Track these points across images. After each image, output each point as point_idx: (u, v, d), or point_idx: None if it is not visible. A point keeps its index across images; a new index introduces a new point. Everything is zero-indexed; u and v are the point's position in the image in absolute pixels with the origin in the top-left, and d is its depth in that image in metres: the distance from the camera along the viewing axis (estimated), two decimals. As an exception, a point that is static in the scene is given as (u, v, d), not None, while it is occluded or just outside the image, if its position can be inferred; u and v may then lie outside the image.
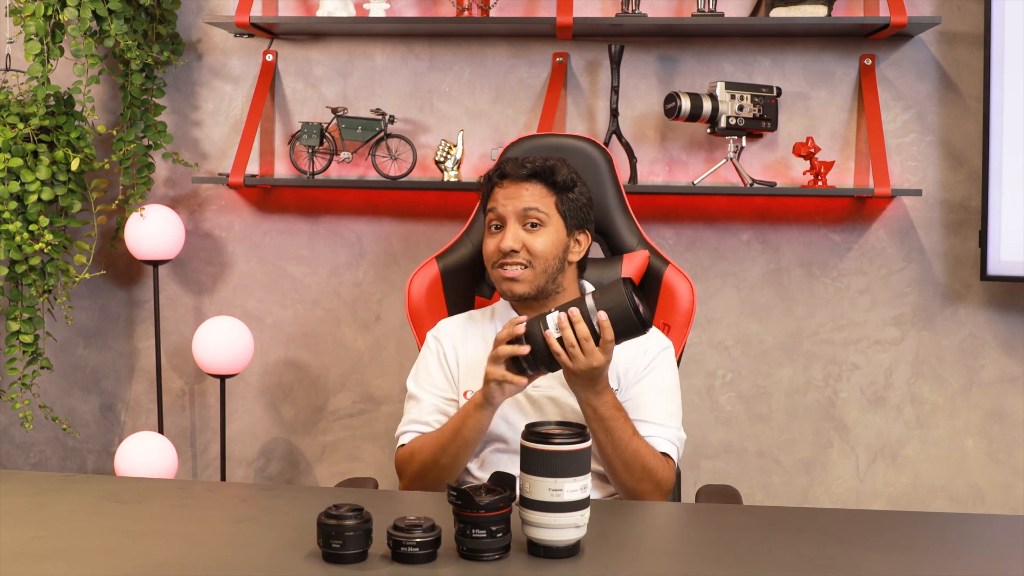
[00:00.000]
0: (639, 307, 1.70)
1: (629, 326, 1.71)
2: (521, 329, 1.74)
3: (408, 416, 2.03)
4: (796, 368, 2.95)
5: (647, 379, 1.98)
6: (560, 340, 1.73)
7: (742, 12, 2.86)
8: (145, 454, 2.85)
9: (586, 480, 1.45)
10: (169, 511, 1.67)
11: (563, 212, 2.00)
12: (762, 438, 2.98)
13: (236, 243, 3.07)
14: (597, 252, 2.24)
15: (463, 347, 2.03)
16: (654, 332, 2.05)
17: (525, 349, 1.73)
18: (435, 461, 1.90)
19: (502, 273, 1.98)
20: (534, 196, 1.98)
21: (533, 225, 1.97)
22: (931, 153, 2.87)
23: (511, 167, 2.01)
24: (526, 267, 1.96)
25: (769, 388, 2.96)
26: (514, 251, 1.96)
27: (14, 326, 2.79)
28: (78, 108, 2.83)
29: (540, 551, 1.44)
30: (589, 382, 1.78)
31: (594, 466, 1.80)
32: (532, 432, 1.45)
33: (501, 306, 2.06)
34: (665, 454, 1.93)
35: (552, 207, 1.99)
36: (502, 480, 1.47)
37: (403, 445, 2.01)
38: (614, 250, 2.25)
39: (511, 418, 1.92)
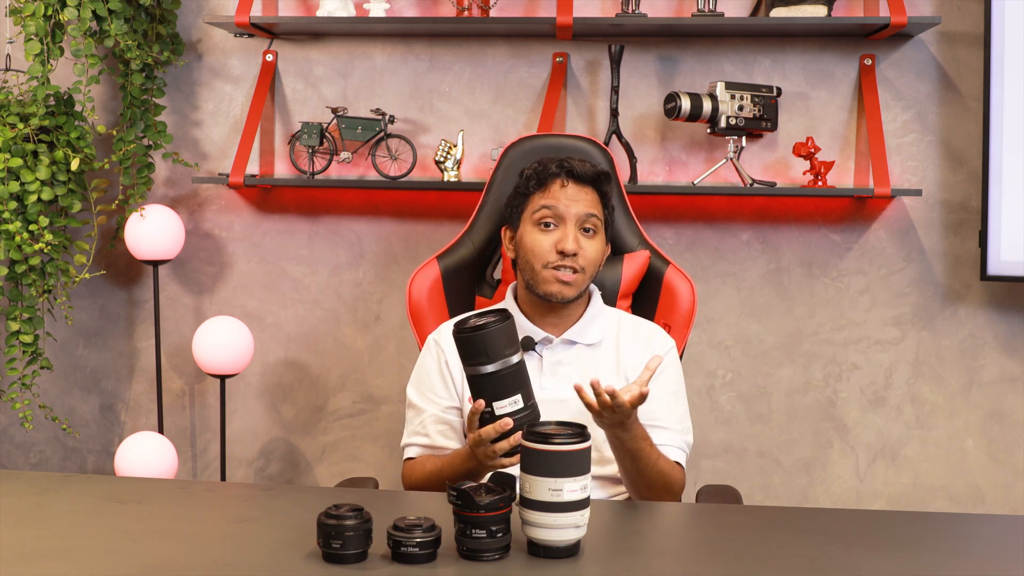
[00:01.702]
0: (480, 323, 1.64)
1: (503, 333, 1.64)
2: (514, 434, 1.68)
3: (410, 427, 2.02)
4: (796, 368, 2.95)
5: (656, 382, 1.97)
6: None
7: (742, 12, 2.86)
8: (145, 454, 2.85)
9: (586, 480, 1.45)
10: (169, 511, 1.67)
11: (607, 222, 2.01)
12: (762, 438, 2.98)
13: (236, 243, 3.07)
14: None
15: None
16: (658, 331, 2.06)
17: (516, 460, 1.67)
18: (433, 490, 1.91)
19: (557, 275, 1.94)
20: (592, 202, 1.98)
21: (587, 231, 1.97)
22: (931, 153, 2.87)
23: (579, 166, 1.98)
24: (578, 272, 1.95)
25: (769, 388, 2.96)
26: (574, 254, 1.94)
27: (14, 326, 2.79)
28: (78, 108, 2.83)
29: (540, 551, 1.44)
30: (618, 425, 1.77)
31: (595, 469, 1.80)
32: (532, 432, 1.45)
33: (506, 306, 2.04)
34: (677, 462, 1.95)
35: (602, 215, 2.00)
36: (502, 480, 1.47)
37: (409, 459, 2.01)
38: (614, 250, 2.25)
39: None
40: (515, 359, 1.65)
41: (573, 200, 1.96)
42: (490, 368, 1.64)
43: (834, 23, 2.72)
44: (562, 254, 1.94)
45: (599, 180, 1.99)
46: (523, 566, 1.42)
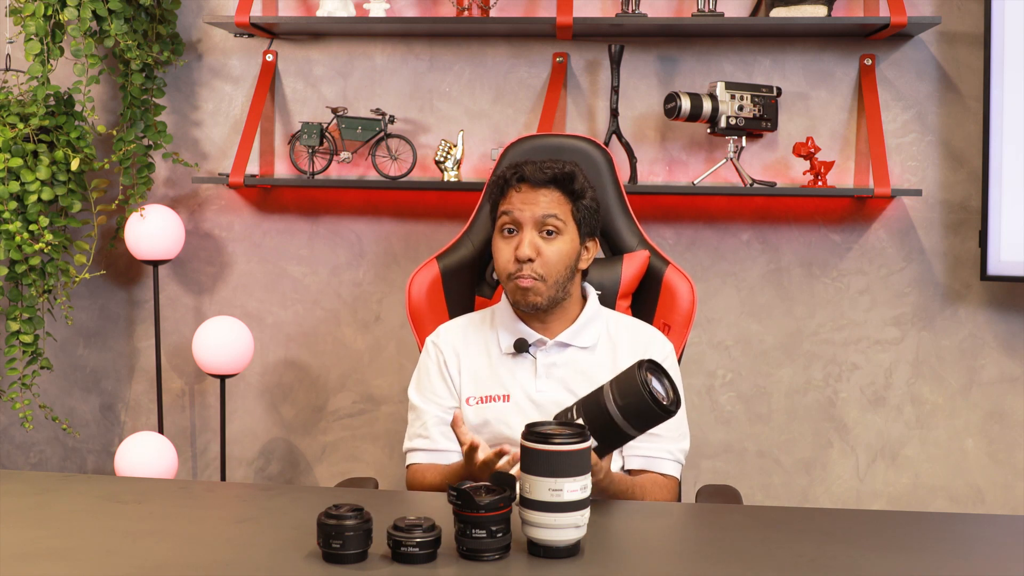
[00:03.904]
0: (655, 395, 1.61)
1: (651, 417, 1.62)
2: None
3: (412, 429, 2.02)
4: (796, 368, 2.95)
5: None
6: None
7: (742, 12, 2.86)
8: (145, 454, 2.85)
9: (586, 480, 1.45)
10: (169, 511, 1.67)
11: (578, 220, 1.97)
12: (762, 438, 2.98)
13: (236, 243, 3.07)
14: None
15: (465, 353, 2.01)
16: (657, 335, 2.05)
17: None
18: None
19: (518, 284, 1.93)
20: (552, 203, 1.94)
21: (549, 233, 1.94)
22: (931, 153, 2.87)
23: (530, 170, 1.95)
24: (538, 280, 1.92)
25: (769, 388, 2.96)
26: (530, 259, 1.92)
27: (14, 326, 2.79)
28: (78, 108, 2.83)
29: (540, 551, 1.44)
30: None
31: None
32: (532, 432, 1.45)
33: (502, 308, 2.04)
34: (668, 474, 1.95)
35: (568, 214, 1.95)
36: (502, 480, 1.47)
37: (412, 465, 2.00)
38: (614, 250, 2.25)
39: (516, 424, 1.90)
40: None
41: (529, 203, 1.94)
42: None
43: (834, 23, 2.72)
44: (519, 261, 1.92)
45: (558, 180, 1.95)
46: (523, 566, 1.42)
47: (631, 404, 1.61)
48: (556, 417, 1.68)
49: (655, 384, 1.63)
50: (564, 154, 2.20)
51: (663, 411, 1.62)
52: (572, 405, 1.67)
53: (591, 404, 1.65)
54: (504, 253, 1.95)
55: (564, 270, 1.95)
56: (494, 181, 2.01)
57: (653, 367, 1.65)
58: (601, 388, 1.65)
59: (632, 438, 1.66)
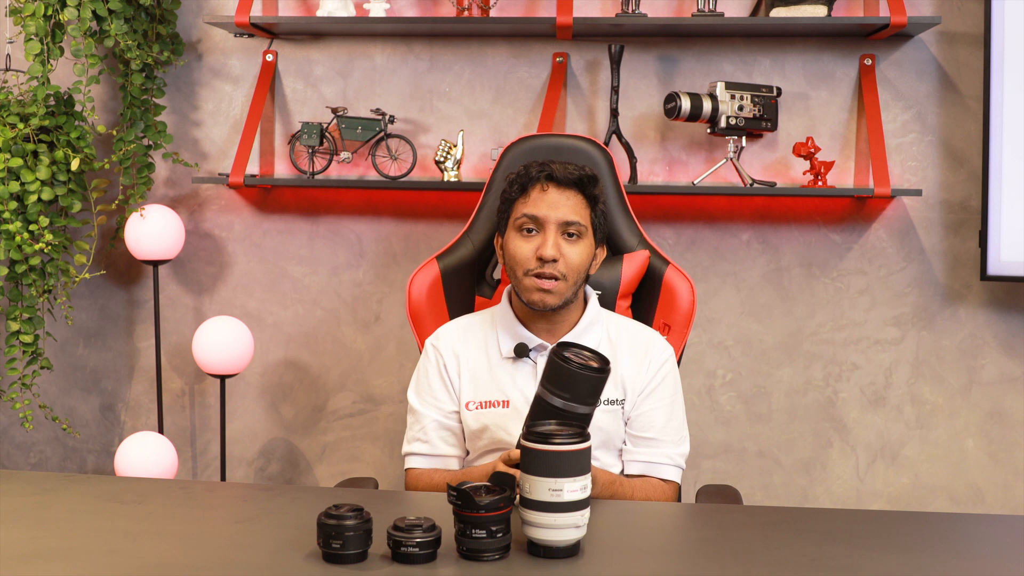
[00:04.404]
0: (590, 366, 1.61)
1: (600, 385, 1.62)
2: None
3: (411, 432, 2.01)
4: (796, 368, 2.95)
5: (654, 395, 1.97)
6: None
7: (742, 12, 2.86)
8: (145, 454, 2.85)
9: (586, 480, 1.45)
10: (169, 511, 1.67)
11: (595, 225, 1.97)
12: (762, 438, 2.98)
13: (236, 243, 3.07)
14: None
15: (464, 356, 2.01)
16: (657, 338, 2.04)
17: None
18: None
19: (537, 283, 1.92)
20: (576, 206, 1.94)
21: (571, 236, 1.93)
22: (931, 153, 2.87)
23: (559, 169, 1.94)
24: (558, 279, 1.91)
25: (769, 388, 2.96)
26: (554, 260, 1.91)
27: (14, 326, 2.79)
28: (78, 108, 2.83)
29: (540, 551, 1.44)
30: None
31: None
32: (532, 432, 1.45)
33: (502, 310, 2.03)
34: (668, 479, 1.95)
35: (588, 219, 1.95)
36: (502, 480, 1.47)
37: (411, 469, 2.00)
38: (614, 250, 2.25)
39: (515, 430, 1.90)
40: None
41: (553, 205, 1.93)
42: (558, 403, 1.62)
43: (834, 23, 2.72)
44: (541, 260, 1.91)
45: (583, 183, 1.95)
46: (523, 566, 1.42)
47: (577, 391, 1.61)
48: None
49: (576, 358, 1.62)
50: (564, 154, 2.20)
51: (603, 373, 1.62)
52: (523, 430, 1.62)
53: (539, 413, 1.63)
54: (524, 250, 1.94)
55: (583, 273, 1.95)
56: (515, 178, 1.98)
57: (566, 347, 1.64)
58: (538, 397, 1.64)
59: (592, 412, 1.65)
